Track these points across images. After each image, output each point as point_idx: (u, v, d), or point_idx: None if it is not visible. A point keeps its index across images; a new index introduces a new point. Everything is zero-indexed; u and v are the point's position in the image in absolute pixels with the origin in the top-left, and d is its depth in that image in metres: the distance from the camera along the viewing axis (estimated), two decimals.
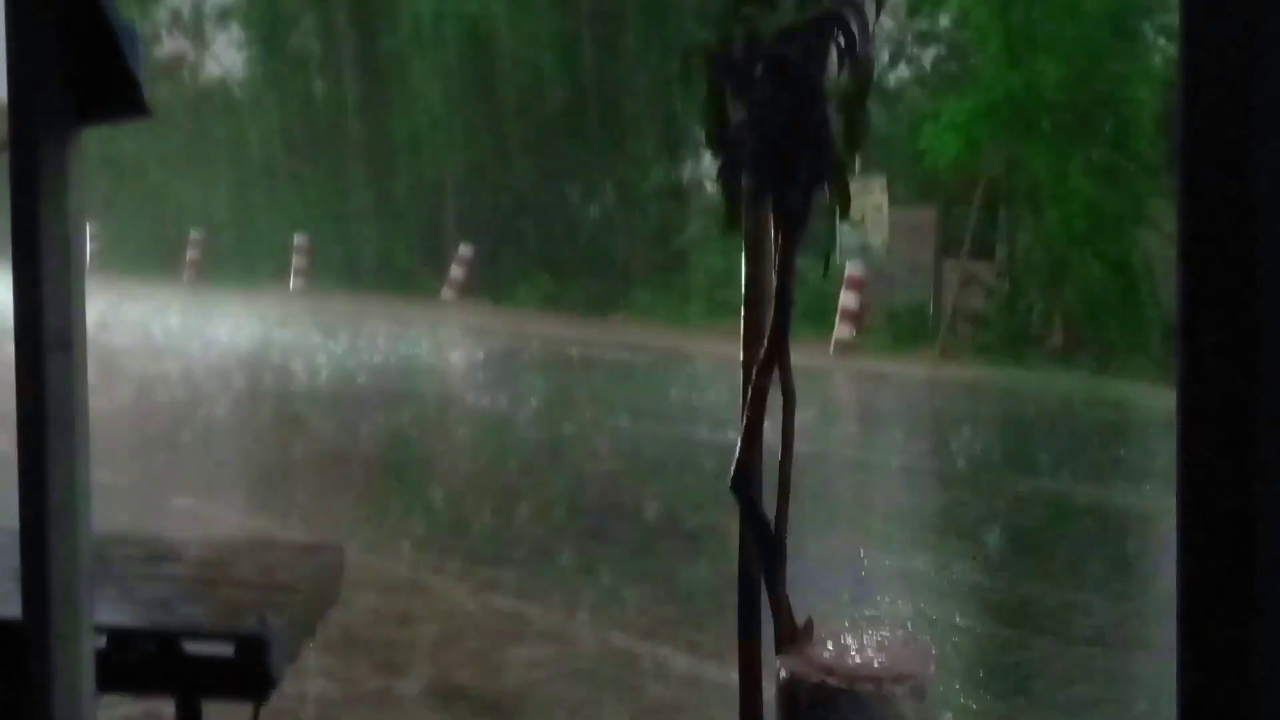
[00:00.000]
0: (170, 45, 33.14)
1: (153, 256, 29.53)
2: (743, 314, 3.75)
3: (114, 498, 8.31)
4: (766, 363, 3.61)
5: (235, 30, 32.14)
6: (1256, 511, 1.26)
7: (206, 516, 9.67)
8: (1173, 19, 19.87)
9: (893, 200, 19.73)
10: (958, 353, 19.22)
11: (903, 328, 20.59)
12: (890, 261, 20.50)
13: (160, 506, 9.77)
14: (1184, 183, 1.31)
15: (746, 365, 3.70)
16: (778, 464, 3.71)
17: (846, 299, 19.40)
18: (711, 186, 19.40)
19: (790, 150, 3.38)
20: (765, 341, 3.63)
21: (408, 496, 11.12)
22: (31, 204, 1.71)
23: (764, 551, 3.75)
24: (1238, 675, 1.28)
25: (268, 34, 30.26)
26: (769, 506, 3.78)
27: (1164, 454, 12.29)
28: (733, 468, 3.71)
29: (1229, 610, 1.28)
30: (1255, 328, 1.24)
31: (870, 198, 18.65)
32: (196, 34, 33.18)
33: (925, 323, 20.77)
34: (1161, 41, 19.88)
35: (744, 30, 3.37)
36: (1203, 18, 1.29)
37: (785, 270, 3.54)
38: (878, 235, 19.16)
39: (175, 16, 32.76)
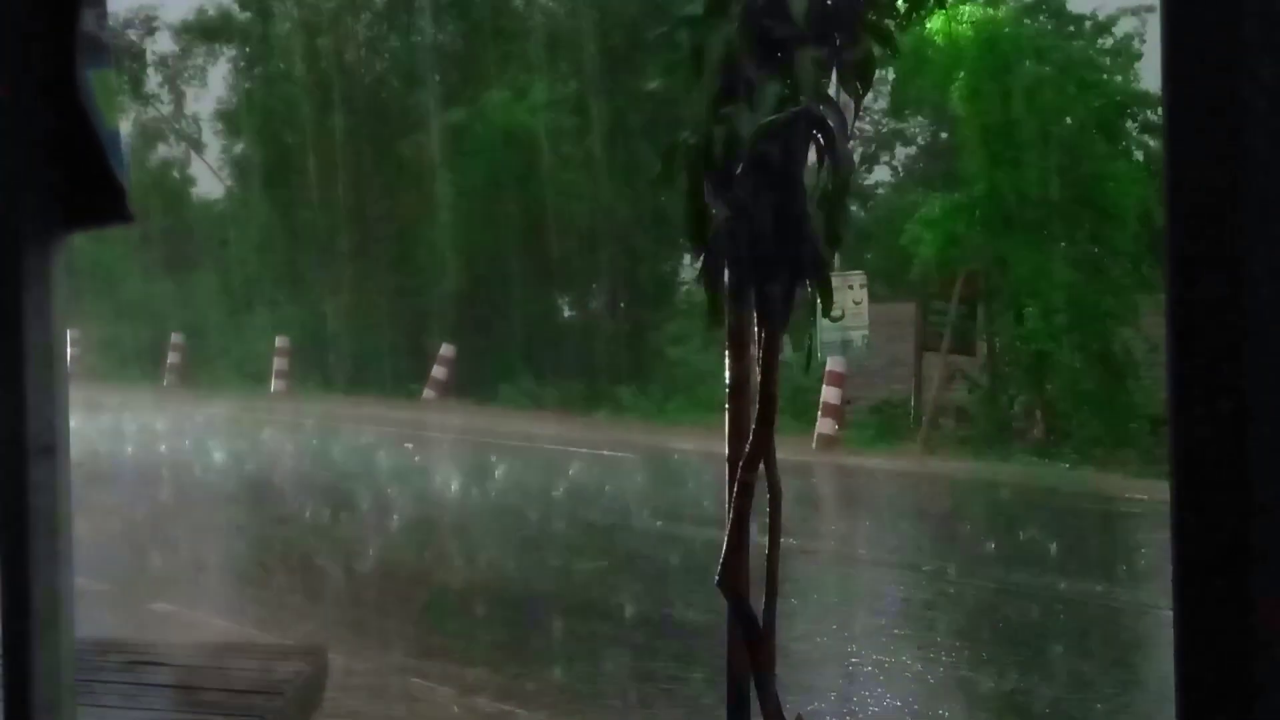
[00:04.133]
0: (161, 151, 33.58)
1: (134, 361, 29.47)
2: (727, 410, 3.74)
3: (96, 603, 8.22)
4: (752, 459, 3.60)
5: (225, 136, 32.35)
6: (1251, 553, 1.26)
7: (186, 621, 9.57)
8: (1154, 116, 19.87)
9: (873, 295, 19.81)
10: (940, 446, 19.22)
11: (885, 422, 20.61)
12: (871, 356, 20.55)
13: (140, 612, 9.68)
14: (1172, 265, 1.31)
15: (731, 460, 3.69)
16: (765, 559, 3.69)
17: (828, 393, 19.41)
18: (693, 284, 19.48)
19: (772, 248, 3.38)
20: (750, 437, 3.62)
21: (398, 599, 11.03)
22: (15, 309, 1.71)
23: (752, 649, 3.72)
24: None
25: (256, 139, 30.34)
26: (757, 602, 3.75)
27: (1148, 546, 12.29)
28: (719, 564, 3.69)
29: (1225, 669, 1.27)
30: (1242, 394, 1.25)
31: (850, 293, 18.71)
32: (186, 140, 33.52)
33: (907, 417, 20.80)
34: (1145, 137, 20.10)
35: (724, 129, 3.37)
36: (1183, 114, 1.31)
37: (769, 367, 3.54)
38: (858, 330, 19.20)
39: (167, 122, 33.10)
